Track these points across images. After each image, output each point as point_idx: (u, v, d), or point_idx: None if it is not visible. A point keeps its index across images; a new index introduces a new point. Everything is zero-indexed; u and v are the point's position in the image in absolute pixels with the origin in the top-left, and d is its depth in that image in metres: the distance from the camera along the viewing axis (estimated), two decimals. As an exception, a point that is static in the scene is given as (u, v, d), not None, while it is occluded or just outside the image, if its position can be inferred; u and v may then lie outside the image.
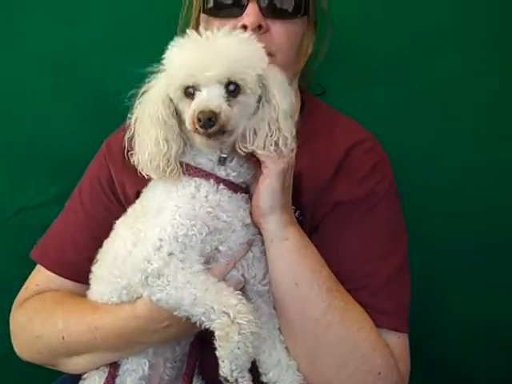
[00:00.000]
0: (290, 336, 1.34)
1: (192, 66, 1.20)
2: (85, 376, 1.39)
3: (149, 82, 1.29)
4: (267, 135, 1.24)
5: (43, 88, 1.93)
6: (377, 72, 1.84)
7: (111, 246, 1.38)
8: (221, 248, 1.29)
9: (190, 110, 1.21)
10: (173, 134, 1.27)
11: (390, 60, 1.85)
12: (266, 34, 1.38)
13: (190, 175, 1.29)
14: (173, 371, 1.39)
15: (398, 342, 1.38)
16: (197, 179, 1.28)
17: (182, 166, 1.28)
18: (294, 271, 1.31)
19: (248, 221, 1.31)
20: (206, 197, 1.27)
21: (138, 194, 1.40)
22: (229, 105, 1.20)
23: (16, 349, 1.50)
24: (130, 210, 1.39)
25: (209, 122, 1.18)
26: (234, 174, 1.30)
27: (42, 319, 1.42)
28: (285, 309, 1.33)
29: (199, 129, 1.19)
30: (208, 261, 1.29)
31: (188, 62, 1.21)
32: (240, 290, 1.28)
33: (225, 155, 1.29)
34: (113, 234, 1.39)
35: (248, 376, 1.21)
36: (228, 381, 1.19)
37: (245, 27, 1.36)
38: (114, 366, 1.36)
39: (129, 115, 1.30)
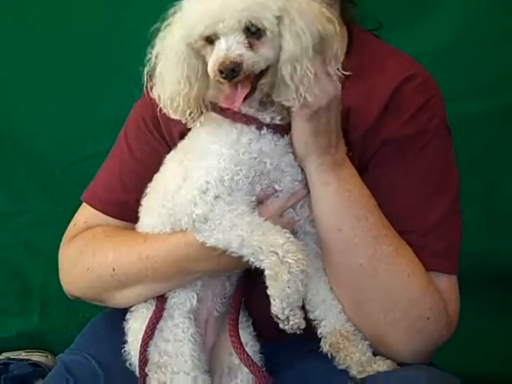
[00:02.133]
0: (334, 279, 1.33)
1: (208, 17, 1.17)
2: (132, 309, 1.39)
3: (168, 19, 1.25)
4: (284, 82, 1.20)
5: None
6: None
7: (161, 180, 1.38)
8: (276, 187, 1.28)
9: (210, 62, 1.18)
10: (196, 74, 1.24)
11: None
12: None
13: (233, 120, 1.26)
14: (222, 307, 1.38)
15: (448, 284, 1.35)
16: (238, 125, 1.26)
17: (215, 108, 1.26)
18: (337, 216, 1.29)
19: (296, 164, 1.29)
20: (249, 144, 1.25)
21: (182, 135, 1.39)
22: (253, 48, 1.17)
23: (65, 286, 1.51)
24: (179, 144, 1.38)
25: (232, 72, 1.15)
26: (278, 117, 1.27)
27: (93, 251, 1.43)
28: (329, 253, 1.31)
29: (222, 80, 1.17)
30: (262, 201, 1.28)
31: (204, 12, 1.18)
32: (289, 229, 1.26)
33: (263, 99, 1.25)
34: (162, 168, 1.39)
35: (299, 313, 1.20)
36: (279, 318, 1.19)
37: None
38: (161, 300, 1.35)
39: (149, 49, 1.27)
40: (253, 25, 1.17)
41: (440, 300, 1.32)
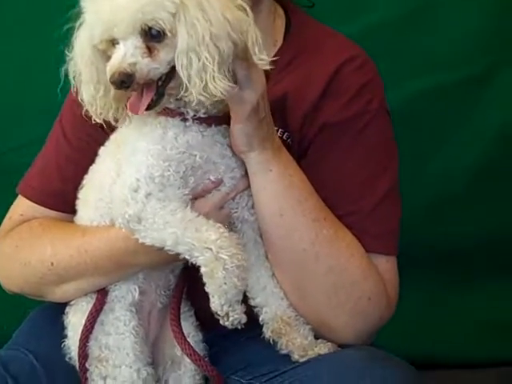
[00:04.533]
0: (277, 267, 1.34)
1: (103, 20, 1.15)
2: (72, 302, 1.37)
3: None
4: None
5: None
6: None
7: (97, 174, 1.36)
8: (212, 178, 1.27)
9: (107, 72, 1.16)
10: (105, 78, 1.18)
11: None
12: None
13: (156, 114, 1.24)
14: (166, 299, 1.37)
15: (388, 265, 1.38)
16: (162, 119, 1.24)
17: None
18: (278, 202, 1.29)
19: (228, 153, 1.28)
20: (175, 138, 1.23)
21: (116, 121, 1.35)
22: (151, 53, 1.14)
23: (2, 281, 1.47)
24: (111, 137, 1.35)
25: (123, 83, 1.13)
26: (202, 110, 1.24)
27: (30, 246, 1.40)
28: (271, 240, 1.32)
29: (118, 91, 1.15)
30: (202, 194, 1.27)
31: (100, 15, 1.15)
32: None
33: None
34: (97, 160, 1.37)
35: (240, 308, 1.20)
36: (219, 315, 1.19)
37: None
38: (102, 293, 1.33)
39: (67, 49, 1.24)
40: (150, 27, 1.14)
41: (380, 281, 1.35)
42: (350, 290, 1.32)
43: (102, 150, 1.36)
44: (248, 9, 1.18)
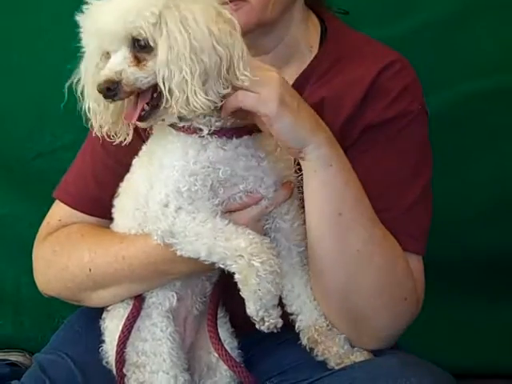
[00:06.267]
0: (323, 272, 1.30)
1: (96, 36, 1.17)
2: (109, 308, 1.38)
3: None
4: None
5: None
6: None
7: (132, 183, 1.36)
8: (241, 188, 1.26)
9: None
10: None
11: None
12: None
13: (176, 130, 1.25)
14: (202, 305, 1.38)
15: (418, 265, 1.38)
16: (182, 136, 1.24)
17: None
18: (338, 200, 1.26)
19: (254, 164, 1.26)
20: (196, 155, 1.23)
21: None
22: (140, 63, 1.15)
23: (40, 286, 1.49)
24: (144, 147, 1.36)
25: (109, 91, 1.14)
26: (218, 123, 1.23)
27: (68, 251, 1.41)
28: (324, 243, 1.28)
29: (107, 101, 1.17)
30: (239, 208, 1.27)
31: (91, 29, 1.17)
32: None
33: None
34: (132, 170, 1.38)
35: (275, 313, 1.20)
36: (255, 320, 1.20)
37: None
38: (138, 299, 1.35)
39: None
40: (135, 38, 1.14)
41: (414, 281, 1.35)
42: (394, 290, 1.31)
43: (135, 161, 1.37)
44: (236, 22, 1.17)
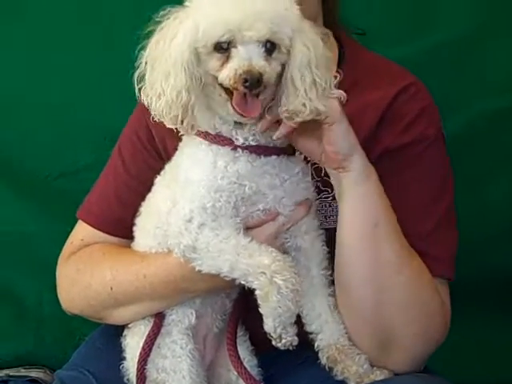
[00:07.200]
0: (353, 287, 1.31)
1: (230, 23, 1.16)
2: (130, 325, 1.40)
3: (163, 22, 1.23)
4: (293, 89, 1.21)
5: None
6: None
7: (153, 202, 1.39)
8: (260, 207, 1.28)
9: (229, 68, 1.17)
10: (197, 83, 1.22)
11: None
12: None
13: (204, 140, 1.27)
14: (221, 323, 1.39)
15: (444, 289, 1.38)
16: (214, 147, 1.27)
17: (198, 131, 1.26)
18: (376, 211, 1.28)
19: (277, 183, 1.28)
20: (225, 167, 1.26)
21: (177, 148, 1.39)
22: (268, 62, 1.18)
23: (63, 304, 1.52)
24: (167, 166, 1.39)
25: (257, 82, 1.15)
26: (251, 138, 1.26)
27: (91, 270, 1.44)
28: (358, 256, 1.29)
29: (241, 88, 1.16)
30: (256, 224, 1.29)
31: (226, 19, 1.17)
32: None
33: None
34: (153, 189, 1.40)
35: (292, 331, 1.21)
36: (272, 336, 1.21)
37: None
38: (159, 317, 1.36)
39: (140, 52, 1.24)
40: (268, 40, 1.18)
41: (441, 301, 1.35)
42: (422, 306, 1.32)
43: (158, 179, 1.40)
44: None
